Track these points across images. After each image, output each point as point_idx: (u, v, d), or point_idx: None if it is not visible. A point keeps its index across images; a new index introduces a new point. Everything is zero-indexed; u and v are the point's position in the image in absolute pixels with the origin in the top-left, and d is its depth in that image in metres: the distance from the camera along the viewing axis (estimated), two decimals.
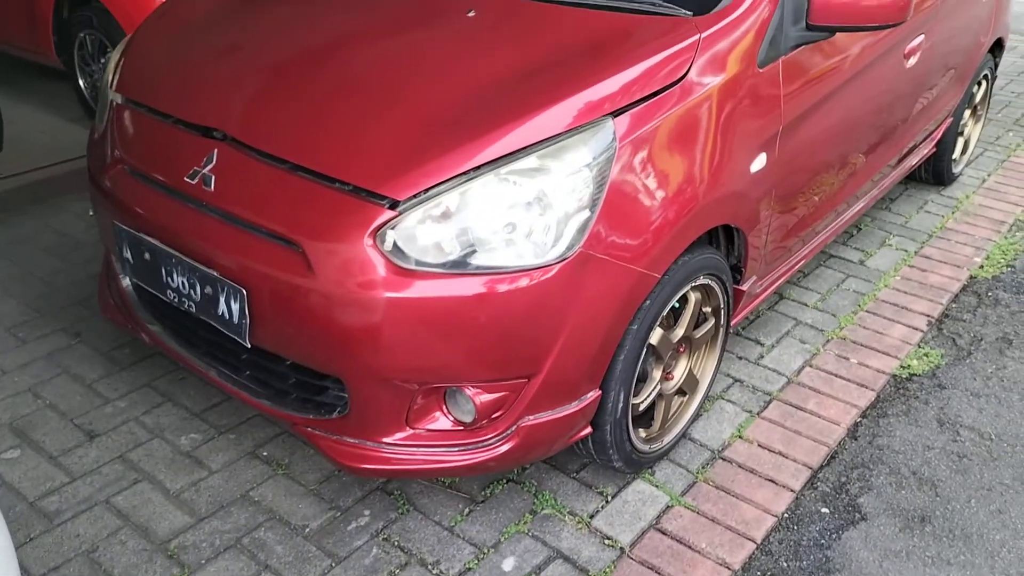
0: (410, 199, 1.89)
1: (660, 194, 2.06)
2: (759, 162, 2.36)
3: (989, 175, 4.57)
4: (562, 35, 2.23)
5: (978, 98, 4.40)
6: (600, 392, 2.14)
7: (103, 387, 2.71)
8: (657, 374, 2.37)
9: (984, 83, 4.40)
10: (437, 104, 2.05)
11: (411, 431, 2.05)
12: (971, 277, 3.59)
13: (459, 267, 1.89)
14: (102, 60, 4.47)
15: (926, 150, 3.94)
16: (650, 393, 2.36)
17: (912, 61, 3.18)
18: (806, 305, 3.32)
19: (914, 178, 4.30)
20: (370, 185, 1.92)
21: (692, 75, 2.14)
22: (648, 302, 2.13)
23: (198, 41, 2.50)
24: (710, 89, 2.18)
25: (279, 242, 1.97)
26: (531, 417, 2.04)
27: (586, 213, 1.94)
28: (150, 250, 2.20)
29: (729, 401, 2.77)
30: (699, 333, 2.47)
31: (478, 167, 1.91)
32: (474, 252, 1.90)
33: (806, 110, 2.52)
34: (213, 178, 2.09)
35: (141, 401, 2.65)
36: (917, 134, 3.63)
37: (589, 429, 2.19)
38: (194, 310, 2.16)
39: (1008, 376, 2.98)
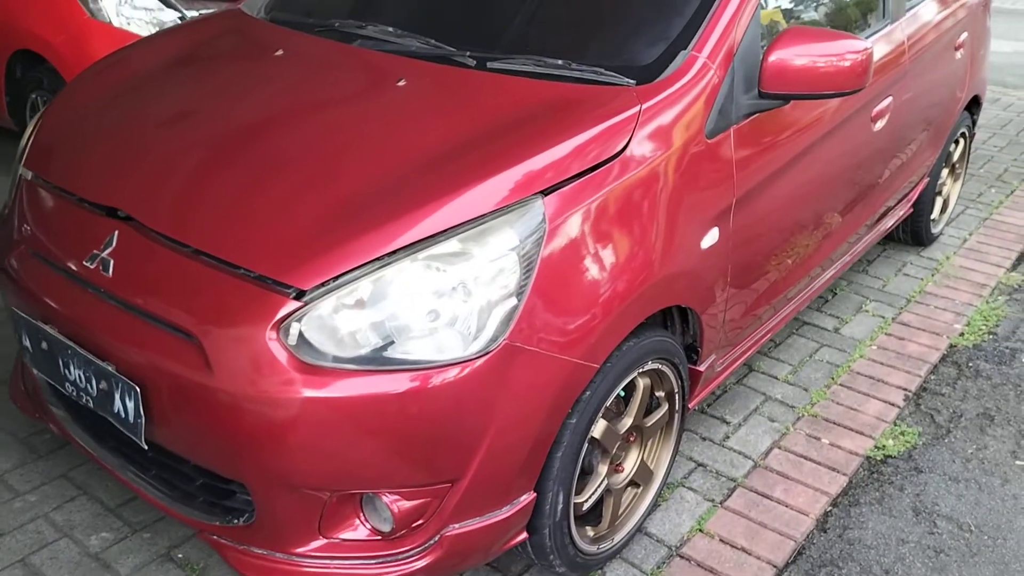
0: (317, 288, 1.73)
1: (597, 278, 1.89)
2: (711, 237, 2.20)
3: (970, 234, 4.42)
4: (494, 106, 2.09)
5: (956, 156, 4.27)
6: (535, 494, 1.95)
7: (15, 478, 2.51)
8: (604, 468, 2.18)
9: (962, 141, 4.28)
10: (354, 183, 1.90)
11: (325, 540, 1.86)
12: (951, 346, 3.41)
13: (373, 362, 1.72)
14: None
15: (902, 211, 3.79)
16: (596, 489, 2.17)
17: (880, 124, 3.04)
18: (776, 378, 3.14)
19: (892, 239, 4.15)
20: (274, 273, 1.76)
21: (632, 149, 1.99)
22: (588, 393, 1.95)
23: (107, 116, 2.34)
24: (653, 163, 2.02)
25: (176, 334, 1.80)
26: (456, 525, 1.85)
27: (512, 301, 1.77)
28: (47, 339, 2.03)
29: (690, 489, 2.57)
30: (651, 421, 2.28)
31: (394, 252, 1.75)
32: (391, 345, 1.73)
33: (762, 180, 2.36)
34: (112, 262, 1.93)
35: (54, 495, 2.45)
36: (891, 196, 3.48)
37: (525, 535, 2.00)
38: (91, 405, 1.98)
39: (989, 457, 2.79)
